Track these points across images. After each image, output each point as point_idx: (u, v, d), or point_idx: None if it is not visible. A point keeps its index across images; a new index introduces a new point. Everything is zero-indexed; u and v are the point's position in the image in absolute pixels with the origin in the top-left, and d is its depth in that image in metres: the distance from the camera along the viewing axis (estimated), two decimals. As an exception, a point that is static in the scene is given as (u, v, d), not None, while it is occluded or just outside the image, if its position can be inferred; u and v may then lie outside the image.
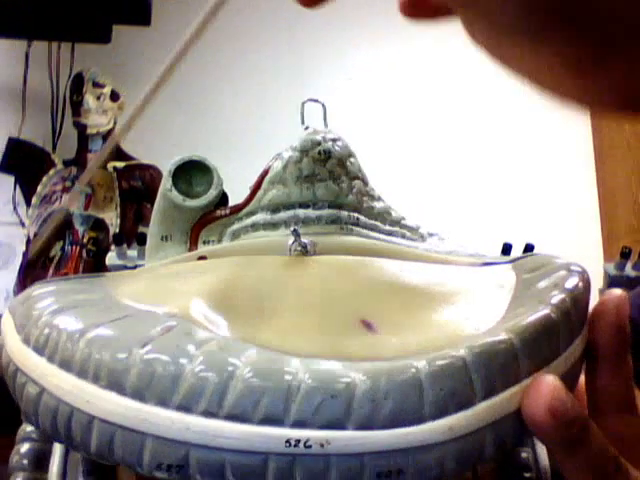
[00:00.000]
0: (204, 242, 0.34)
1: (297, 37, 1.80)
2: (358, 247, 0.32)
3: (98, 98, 1.44)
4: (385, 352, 0.21)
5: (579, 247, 1.79)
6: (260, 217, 0.33)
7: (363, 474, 0.19)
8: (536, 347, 0.22)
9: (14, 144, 1.46)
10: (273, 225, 0.33)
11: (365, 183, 0.35)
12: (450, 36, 1.85)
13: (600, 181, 1.85)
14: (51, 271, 1.35)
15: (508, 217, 1.76)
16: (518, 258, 0.31)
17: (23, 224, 1.47)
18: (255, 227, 0.33)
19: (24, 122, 1.54)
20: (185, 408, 0.19)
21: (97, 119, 1.43)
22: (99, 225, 1.39)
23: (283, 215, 0.33)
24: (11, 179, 1.48)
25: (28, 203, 1.42)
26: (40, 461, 0.28)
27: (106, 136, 1.44)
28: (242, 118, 1.71)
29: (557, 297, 0.24)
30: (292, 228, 0.31)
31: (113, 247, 1.17)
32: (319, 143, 0.34)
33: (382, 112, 1.80)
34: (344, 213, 0.33)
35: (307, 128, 0.36)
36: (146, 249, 0.35)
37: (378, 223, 0.34)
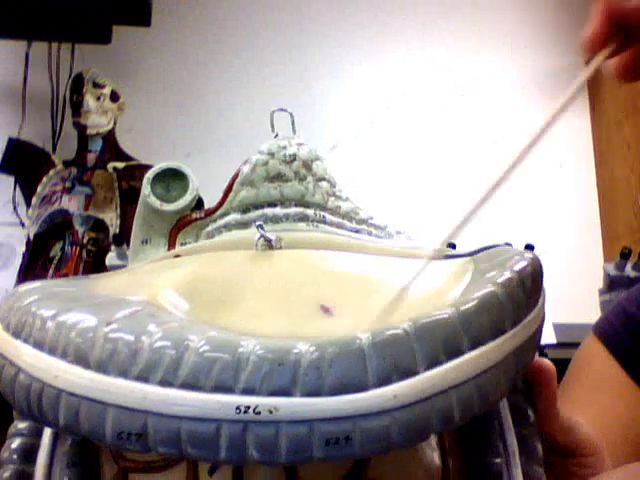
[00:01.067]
0: (182, 244, 0.36)
1: (299, 41, 1.80)
2: (323, 242, 0.34)
3: (98, 99, 1.44)
4: (339, 332, 0.22)
5: (579, 247, 1.79)
6: (232, 218, 0.35)
7: (312, 440, 0.20)
8: (478, 321, 0.23)
9: (14, 144, 1.46)
10: (244, 224, 0.35)
11: (332, 184, 0.37)
12: (446, 37, 1.85)
13: (600, 181, 1.85)
14: (51, 271, 1.35)
15: (508, 217, 1.76)
16: (479, 250, 0.32)
17: (23, 224, 1.47)
18: (228, 227, 0.35)
19: (24, 122, 1.54)
20: (143, 378, 0.20)
21: (97, 120, 1.43)
22: (99, 225, 1.39)
23: (253, 215, 0.35)
24: (11, 179, 1.48)
25: (28, 203, 1.42)
26: (29, 454, 0.29)
27: (106, 136, 1.44)
28: (242, 119, 1.71)
29: (503, 277, 0.25)
30: (257, 224, 0.33)
31: (113, 247, 1.17)
32: (285, 147, 0.36)
33: (381, 115, 1.80)
34: (310, 211, 0.35)
35: (277, 136, 0.38)
36: (129, 253, 0.38)
37: (345, 221, 0.36)
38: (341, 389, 0.20)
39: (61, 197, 1.40)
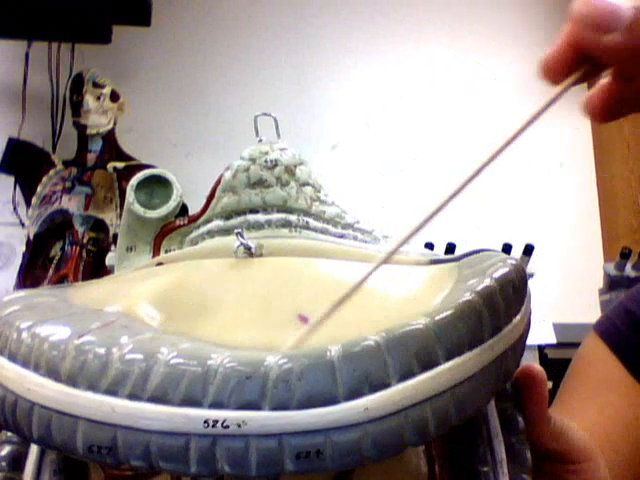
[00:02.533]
0: (166, 251, 0.36)
1: (298, 42, 1.80)
2: (305, 248, 0.33)
3: (98, 98, 1.44)
4: (315, 342, 0.22)
5: (579, 247, 1.79)
6: (215, 224, 0.35)
7: (283, 454, 0.19)
8: (454, 331, 0.22)
9: (14, 144, 1.46)
10: (226, 231, 0.35)
11: (316, 189, 0.36)
12: (442, 38, 1.85)
13: (600, 181, 1.85)
14: (51, 271, 1.35)
15: (508, 217, 1.76)
16: (464, 255, 0.32)
17: (23, 224, 1.47)
18: (210, 234, 0.35)
19: (24, 122, 1.54)
20: (112, 391, 0.20)
21: (97, 119, 1.43)
22: (99, 225, 1.39)
23: (235, 221, 0.35)
24: (11, 179, 1.48)
25: (28, 203, 1.42)
26: (17, 462, 0.29)
27: (106, 136, 1.44)
28: (242, 119, 1.71)
29: (482, 285, 0.24)
30: (236, 231, 0.32)
31: (113, 247, 1.18)
32: (267, 152, 0.36)
33: (381, 115, 1.80)
34: (293, 217, 0.34)
35: (260, 140, 0.37)
36: (115, 260, 0.37)
37: (329, 226, 0.35)
38: (310, 402, 0.20)
39: (61, 197, 1.40)
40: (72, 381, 0.21)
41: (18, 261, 1.40)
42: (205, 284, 0.29)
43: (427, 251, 0.34)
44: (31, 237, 1.38)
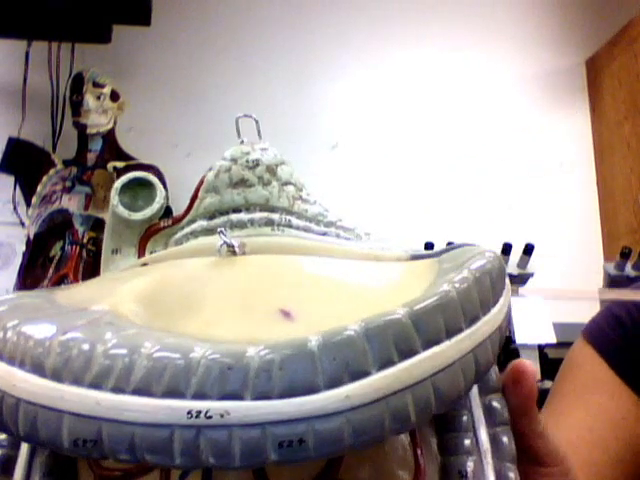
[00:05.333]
0: (151, 253, 0.37)
1: (298, 40, 1.80)
2: (288, 246, 0.34)
3: (98, 98, 1.44)
4: (297, 336, 0.22)
5: (579, 246, 1.79)
6: (198, 225, 0.36)
7: (266, 444, 0.20)
8: (432, 320, 0.23)
9: (14, 144, 1.46)
10: (209, 231, 0.35)
11: (298, 188, 0.37)
12: (443, 36, 1.85)
13: (600, 181, 1.85)
14: (51, 271, 1.35)
15: (508, 217, 1.76)
16: (445, 251, 0.32)
17: (23, 224, 1.47)
18: (195, 234, 0.35)
19: (24, 122, 1.54)
20: (96, 385, 0.21)
21: (97, 119, 1.43)
22: (99, 225, 1.39)
23: (218, 221, 0.35)
24: (11, 179, 1.48)
25: (28, 203, 1.42)
26: (7, 466, 0.29)
27: (106, 136, 1.44)
28: (243, 119, 1.71)
29: (459, 276, 0.25)
30: (219, 230, 0.33)
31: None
32: (248, 153, 0.36)
33: (381, 115, 1.80)
34: (276, 216, 0.35)
35: (242, 142, 0.38)
36: (101, 263, 0.38)
37: (311, 225, 0.36)
38: (291, 392, 0.20)
39: (61, 196, 1.40)
40: (57, 376, 0.21)
41: (18, 261, 1.40)
42: (189, 282, 0.30)
43: (408, 247, 0.35)
44: (31, 237, 1.38)
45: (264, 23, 1.79)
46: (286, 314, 0.25)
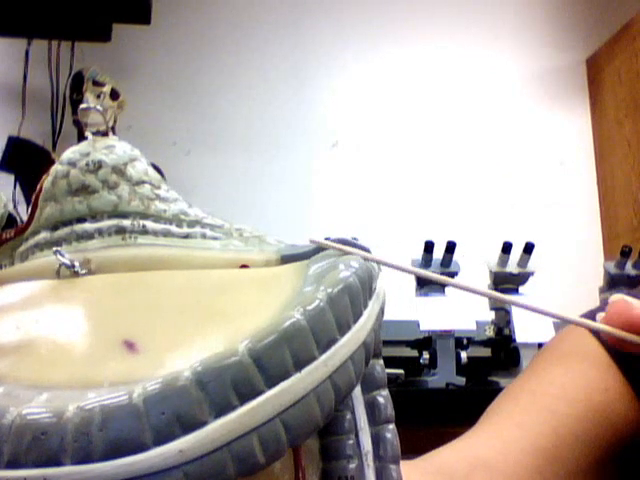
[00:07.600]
0: None
1: (297, 39, 1.80)
2: (139, 258, 0.31)
3: (98, 96, 1.44)
4: (140, 374, 0.20)
5: (579, 245, 1.79)
6: (42, 236, 0.32)
7: None
8: (277, 355, 0.21)
9: (14, 143, 1.46)
10: (53, 243, 0.31)
11: (155, 186, 0.33)
12: (443, 35, 1.85)
13: (600, 179, 1.85)
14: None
15: (509, 215, 1.76)
16: (316, 251, 0.29)
17: (23, 223, 1.47)
18: (39, 247, 0.32)
19: (24, 121, 1.54)
20: None
21: (97, 117, 1.43)
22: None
23: (61, 232, 0.31)
24: (11, 177, 1.48)
25: (28, 201, 1.42)
26: None
27: (105, 134, 1.44)
28: (242, 117, 1.71)
29: (312, 296, 0.23)
30: (54, 249, 0.30)
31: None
32: (88, 153, 0.32)
33: (381, 113, 1.80)
34: (127, 222, 0.31)
35: (85, 138, 0.34)
36: None
37: (172, 227, 0.32)
38: (116, 452, 0.19)
39: (61, 195, 1.40)
40: None
41: (18, 259, 1.40)
42: (24, 314, 0.27)
43: (284, 242, 0.32)
44: (31, 235, 1.38)
45: (264, 21, 1.79)
46: (130, 346, 0.23)
